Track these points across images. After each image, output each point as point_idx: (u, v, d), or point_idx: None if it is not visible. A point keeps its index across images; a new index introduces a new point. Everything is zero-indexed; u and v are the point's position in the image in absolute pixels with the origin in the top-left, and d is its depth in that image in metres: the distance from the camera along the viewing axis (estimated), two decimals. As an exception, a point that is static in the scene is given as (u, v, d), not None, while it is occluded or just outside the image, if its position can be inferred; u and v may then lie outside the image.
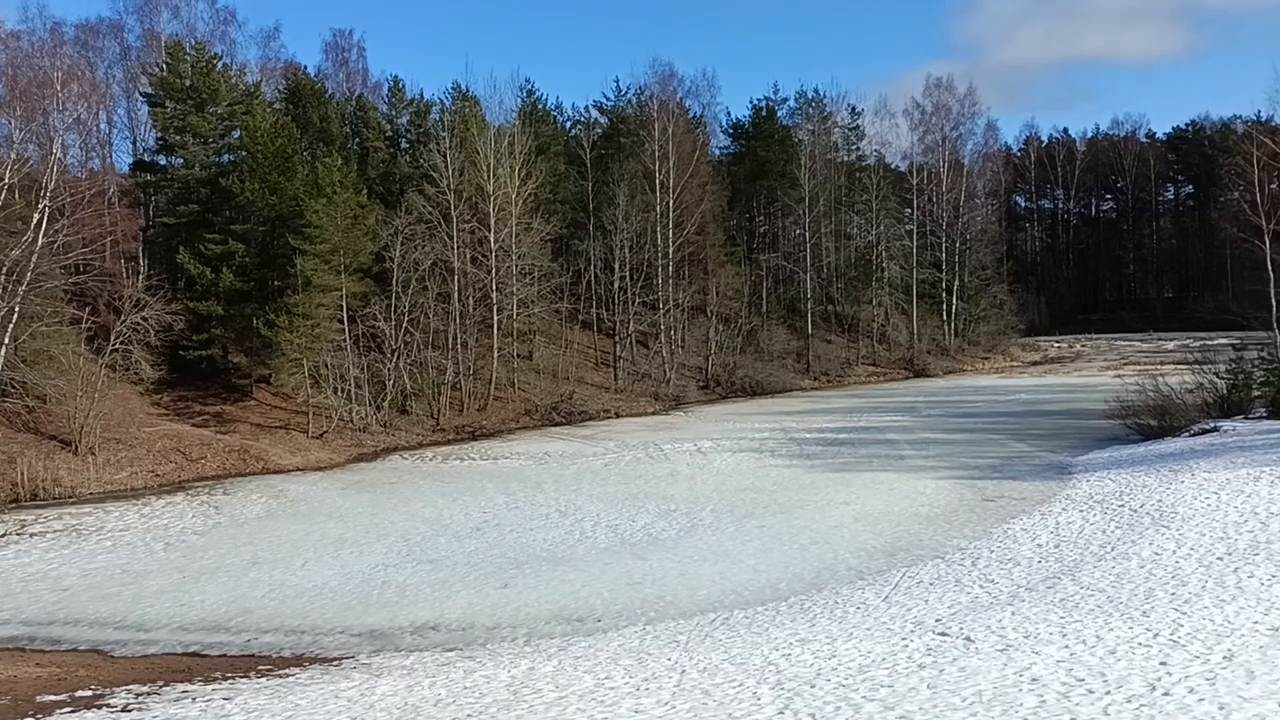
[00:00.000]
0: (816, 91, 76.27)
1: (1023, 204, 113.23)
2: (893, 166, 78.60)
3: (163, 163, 46.77)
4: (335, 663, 15.56)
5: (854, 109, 78.63)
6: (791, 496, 27.23)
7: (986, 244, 78.74)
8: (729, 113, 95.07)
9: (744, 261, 66.89)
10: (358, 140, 53.02)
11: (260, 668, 15.56)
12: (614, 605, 18.05)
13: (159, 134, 45.83)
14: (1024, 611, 14.64)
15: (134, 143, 53.60)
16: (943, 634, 13.72)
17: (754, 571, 19.80)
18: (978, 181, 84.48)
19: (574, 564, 21.07)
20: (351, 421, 40.40)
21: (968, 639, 13.27)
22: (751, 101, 79.25)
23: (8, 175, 33.66)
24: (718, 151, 74.93)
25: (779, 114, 74.21)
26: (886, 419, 43.45)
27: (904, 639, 13.66)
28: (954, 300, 72.86)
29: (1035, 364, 72.59)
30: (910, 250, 71.48)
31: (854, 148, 78.94)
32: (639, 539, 23.09)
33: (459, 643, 16.37)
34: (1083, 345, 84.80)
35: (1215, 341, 55.18)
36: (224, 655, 16.45)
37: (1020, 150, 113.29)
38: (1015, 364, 72.54)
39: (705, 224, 60.10)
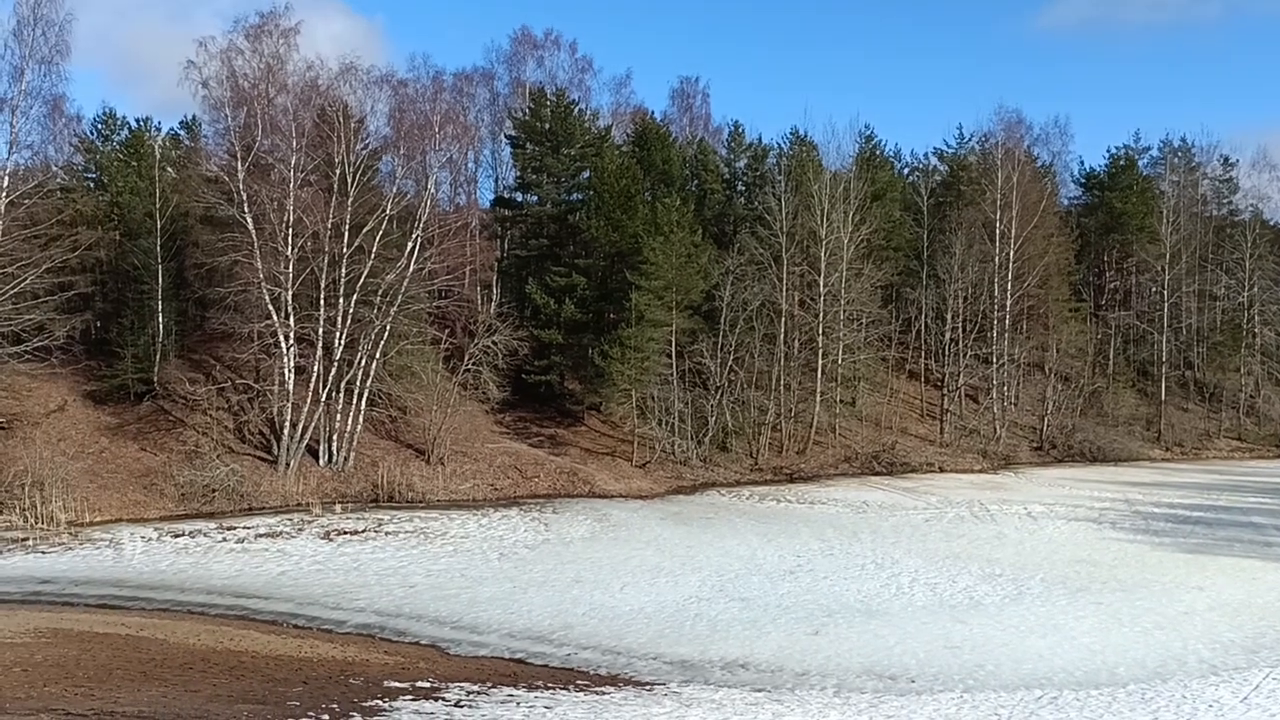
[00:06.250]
0: (1184, 140, 70.35)
1: None
2: (1271, 223, 70.75)
3: (519, 200, 50.59)
4: (648, 687, 15.87)
5: (1227, 159, 71.84)
6: (1134, 574, 24.93)
7: (1393, 315, 68.89)
8: (1082, 161, 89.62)
9: (1089, 318, 62.61)
10: (696, 182, 54.77)
11: (578, 682, 16.16)
12: (929, 667, 17.23)
13: (518, 173, 49.68)
14: None
15: (495, 181, 58.41)
16: (1320, 750, 11.95)
17: (1088, 651, 18.26)
18: (1383, 243, 74.28)
19: (888, 619, 20.36)
20: (673, 454, 41.49)
21: (1353, 761, 11.46)
22: (1109, 150, 74.21)
23: (389, 207, 37.69)
24: (1066, 201, 70.82)
25: (1139, 163, 69.12)
26: (1252, 500, 38.85)
27: (1270, 749, 12.03)
28: (1342, 374, 64.28)
29: None
30: (1289, 315, 63.96)
31: (1226, 201, 72.05)
32: (959, 601, 21.98)
33: (768, 684, 16.22)
34: None
35: None
36: (546, 665, 17.25)
37: None
38: None
39: (1048, 277, 56.80)
